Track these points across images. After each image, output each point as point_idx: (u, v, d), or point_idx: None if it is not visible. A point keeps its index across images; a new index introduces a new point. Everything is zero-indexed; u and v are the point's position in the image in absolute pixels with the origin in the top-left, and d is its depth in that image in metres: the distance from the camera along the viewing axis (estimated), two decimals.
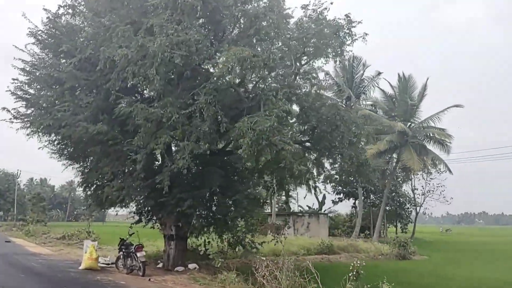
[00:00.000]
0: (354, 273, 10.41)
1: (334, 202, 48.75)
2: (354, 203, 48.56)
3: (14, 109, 15.26)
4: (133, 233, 15.35)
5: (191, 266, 15.99)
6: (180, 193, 13.85)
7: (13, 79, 15.33)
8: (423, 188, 47.84)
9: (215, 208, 15.48)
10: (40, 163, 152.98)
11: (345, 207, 73.27)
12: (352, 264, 10.53)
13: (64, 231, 31.11)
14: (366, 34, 14.43)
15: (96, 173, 15.16)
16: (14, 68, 15.08)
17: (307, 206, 48.87)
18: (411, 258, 26.15)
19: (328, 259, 23.61)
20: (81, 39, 13.35)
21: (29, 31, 14.27)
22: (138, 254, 13.58)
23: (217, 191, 14.03)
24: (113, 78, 12.52)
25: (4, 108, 15.17)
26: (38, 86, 15.54)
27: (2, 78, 16.94)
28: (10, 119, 15.31)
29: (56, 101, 14.08)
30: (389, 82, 37.53)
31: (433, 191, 46.91)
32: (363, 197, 45.17)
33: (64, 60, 14.34)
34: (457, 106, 34.24)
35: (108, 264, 16.45)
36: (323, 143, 14.67)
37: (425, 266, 21.66)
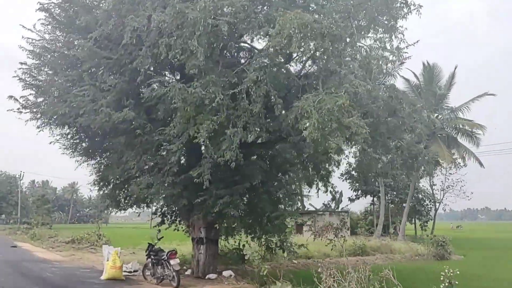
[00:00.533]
0: (447, 284, 8.52)
1: (351, 200, 46.85)
2: (373, 200, 46.65)
3: (23, 97, 13.38)
4: (162, 237, 13.43)
5: (225, 273, 14.10)
6: (217, 189, 11.95)
7: (21, 63, 13.47)
8: (442, 184, 45.94)
9: (249, 206, 13.48)
10: (41, 165, 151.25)
11: (357, 205, 71.26)
12: (443, 273, 8.63)
13: (72, 235, 29.18)
14: (421, 6, 12.48)
15: (117, 169, 13.20)
16: (22, 50, 13.21)
17: (323, 204, 46.87)
18: (450, 258, 24.22)
19: (364, 261, 21.62)
20: (101, 12, 11.37)
21: (40, 5, 12.35)
22: (172, 262, 11.65)
23: (258, 186, 12.11)
24: (142, 55, 10.60)
25: (11, 97, 13.29)
26: (50, 71, 13.66)
27: None
28: (18, 109, 13.44)
29: (72, 87, 12.16)
30: (413, 72, 35.42)
31: (452, 186, 45.15)
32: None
33: (77, 41, 12.39)
34: (489, 94, 32.28)
35: (131, 272, 14.56)
36: (379, 130, 12.70)
37: (475, 267, 19.68)
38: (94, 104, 11.45)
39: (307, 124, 8.45)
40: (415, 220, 51.49)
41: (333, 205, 47.62)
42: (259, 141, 10.18)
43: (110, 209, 16.41)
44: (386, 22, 12.33)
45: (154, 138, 11.19)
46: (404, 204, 47.23)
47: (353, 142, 11.52)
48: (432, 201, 48.89)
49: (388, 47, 11.38)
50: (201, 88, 9.45)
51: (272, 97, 9.61)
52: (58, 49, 12.91)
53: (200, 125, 9.95)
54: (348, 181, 44.27)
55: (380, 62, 10.30)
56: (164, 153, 11.56)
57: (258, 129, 9.96)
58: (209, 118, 9.80)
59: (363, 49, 10.24)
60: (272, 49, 9.87)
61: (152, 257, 12.56)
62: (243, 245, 15.12)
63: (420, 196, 47.88)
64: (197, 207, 13.04)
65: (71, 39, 12.22)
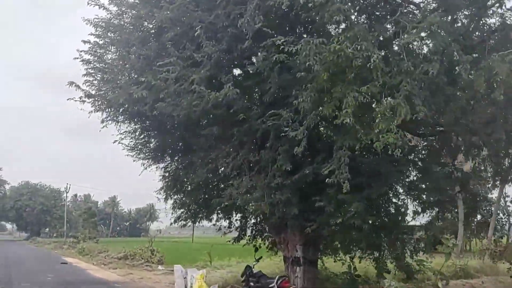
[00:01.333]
0: None
1: (416, 213, 42.35)
2: (442, 213, 42.05)
3: (87, 81, 11.01)
4: (261, 257, 10.54)
5: None
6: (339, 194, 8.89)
7: (84, 41, 11.15)
8: None
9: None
10: (83, 178, 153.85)
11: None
12: None
13: (124, 250, 26.92)
14: None
15: (201, 170, 10.41)
16: (87, 23, 10.90)
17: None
18: None
19: (472, 286, 17.92)
20: None
21: None
22: None
23: (396, 190, 9.08)
24: (249, 12, 7.84)
25: (72, 83, 10.94)
26: (115, 55, 11.28)
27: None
28: (80, 97, 11.08)
29: (149, 66, 9.58)
30: None
31: None
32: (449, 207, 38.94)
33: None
34: None
35: None
36: None
37: None
38: (179, 84, 8.81)
39: None
40: (486, 236, 46.31)
41: None
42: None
43: (182, 221, 13.65)
44: None
45: (264, 124, 8.33)
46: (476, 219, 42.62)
47: None
48: (506, 214, 43.76)
49: None
50: (348, 42, 6.51)
51: (455, 53, 6.52)
52: (131, 22, 10.49)
53: (337, 99, 7.00)
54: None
55: None
56: (270, 144, 8.68)
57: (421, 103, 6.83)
58: (352, 89, 6.83)
59: None
60: None
61: (251, 284, 9.63)
62: (354, 267, 11.92)
63: (493, 208, 42.95)
64: (300, 217, 10.05)
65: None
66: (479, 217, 43.46)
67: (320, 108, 7.22)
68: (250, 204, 9.19)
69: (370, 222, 9.10)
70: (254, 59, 8.77)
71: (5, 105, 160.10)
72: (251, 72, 8.42)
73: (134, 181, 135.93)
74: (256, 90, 8.90)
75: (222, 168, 9.82)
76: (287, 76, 7.87)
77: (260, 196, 8.87)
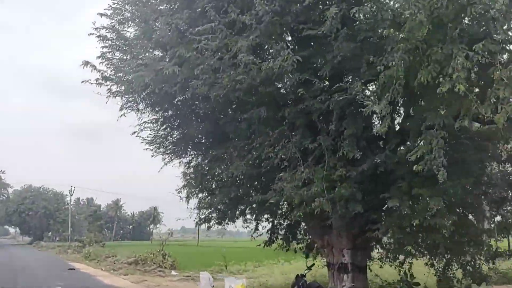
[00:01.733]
0: None
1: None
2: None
3: (103, 62, 9.49)
4: (313, 264, 8.97)
5: None
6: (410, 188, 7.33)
7: (101, 14, 9.69)
8: None
9: None
10: (85, 182, 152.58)
11: None
12: None
13: (134, 254, 25.36)
14: None
15: (239, 162, 8.81)
16: None
17: None
18: None
19: None
20: None
21: None
22: None
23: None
24: None
25: (87, 63, 9.42)
26: (137, 30, 9.78)
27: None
28: (96, 80, 9.57)
29: (182, 38, 8.02)
30: None
31: None
32: None
33: None
34: None
35: None
36: None
37: None
38: (218, 57, 7.27)
39: None
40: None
41: None
42: None
43: (208, 223, 12.09)
44: None
45: (326, 103, 6.77)
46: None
47: None
48: None
49: None
50: None
51: None
52: None
53: (436, 62, 5.43)
54: None
55: None
56: (335, 127, 7.11)
57: None
58: (461, 47, 5.25)
59: None
60: None
61: None
62: (411, 275, 10.31)
63: None
64: (363, 217, 8.49)
65: None
66: (498, 217, 41.83)
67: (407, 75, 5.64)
68: (302, 202, 7.54)
69: (451, 222, 7.52)
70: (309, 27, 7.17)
71: (9, 108, 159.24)
72: (312, 36, 6.84)
73: (138, 184, 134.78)
74: (313, 61, 7.31)
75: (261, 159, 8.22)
76: (350, 44, 6.33)
77: (320, 191, 7.27)
